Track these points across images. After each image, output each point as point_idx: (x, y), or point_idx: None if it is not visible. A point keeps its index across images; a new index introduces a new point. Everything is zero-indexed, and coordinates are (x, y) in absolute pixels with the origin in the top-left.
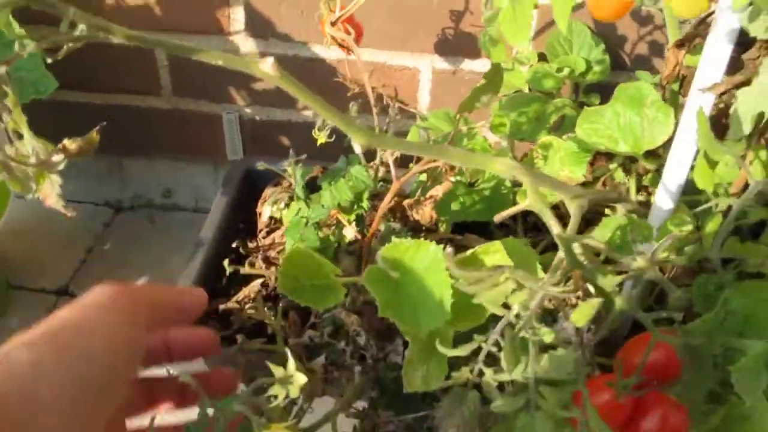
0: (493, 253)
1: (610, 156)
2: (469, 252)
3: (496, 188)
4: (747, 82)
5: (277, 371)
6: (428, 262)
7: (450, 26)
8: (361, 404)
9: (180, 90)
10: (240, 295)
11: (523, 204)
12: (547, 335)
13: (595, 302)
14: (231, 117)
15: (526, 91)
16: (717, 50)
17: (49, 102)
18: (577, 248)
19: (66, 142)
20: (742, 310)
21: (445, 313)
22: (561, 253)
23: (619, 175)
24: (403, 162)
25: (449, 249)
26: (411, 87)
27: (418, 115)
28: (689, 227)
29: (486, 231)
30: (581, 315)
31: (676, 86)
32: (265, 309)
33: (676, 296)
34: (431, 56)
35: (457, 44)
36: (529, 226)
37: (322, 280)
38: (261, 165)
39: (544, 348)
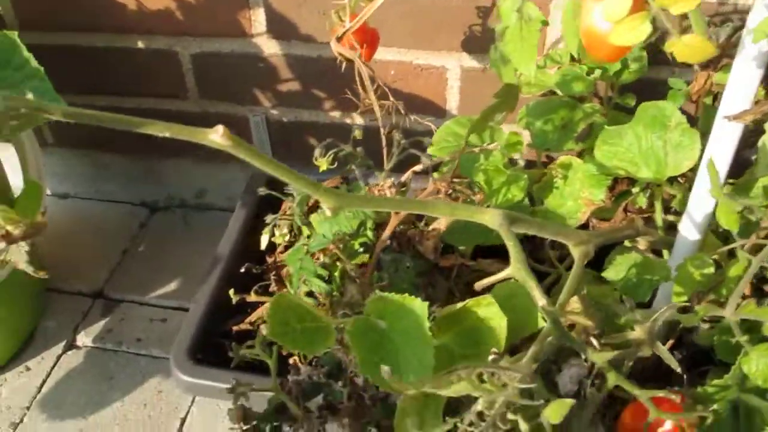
0: (486, 306)
1: (632, 179)
2: (459, 305)
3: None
4: None
5: None
6: (412, 319)
7: (477, 23)
8: None
9: (206, 93)
10: (253, 317)
11: (506, 272)
12: None
13: (568, 402)
14: (258, 119)
15: (558, 92)
16: (744, 75)
17: (82, 107)
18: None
19: (9, 227)
20: (761, 373)
21: (427, 373)
22: (548, 323)
23: (642, 200)
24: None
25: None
26: (439, 86)
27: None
28: (711, 270)
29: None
30: (554, 413)
31: (709, 99)
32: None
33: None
34: (459, 54)
35: (485, 41)
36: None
37: (313, 323)
38: (262, 190)
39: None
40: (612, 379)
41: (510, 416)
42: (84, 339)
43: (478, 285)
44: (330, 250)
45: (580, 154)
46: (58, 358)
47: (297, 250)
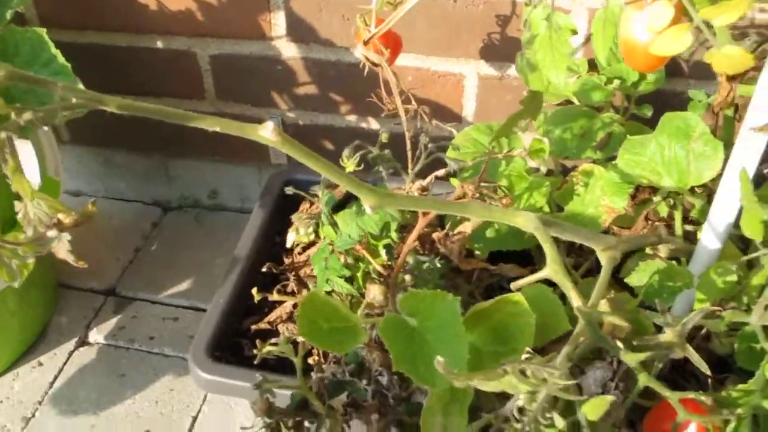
0: (515, 304)
1: (654, 188)
2: (488, 303)
3: None
4: None
5: None
6: (445, 314)
7: (496, 31)
8: None
9: (223, 94)
10: (272, 316)
11: (543, 273)
12: (552, 429)
13: (609, 399)
14: (275, 121)
15: (575, 101)
16: None
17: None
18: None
19: (61, 216)
20: None
21: (462, 368)
22: (581, 324)
23: (663, 209)
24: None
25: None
26: (456, 93)
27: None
28: (733, 277)
29: (526, 255)
30: (594, 409)
31: (730, 111)
32: (289, 343)
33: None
34: (477, 62)
35: (503, 49)
36: (570, 244)
37: (341, 323)
38: (290, 190)
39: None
40: (643, 379)
41: (557, 419)
42: (96, 336)
43: (515, 285)
44: (355, 251)
45: (594, 162)
46: (70, 354)
47: (322, 250)
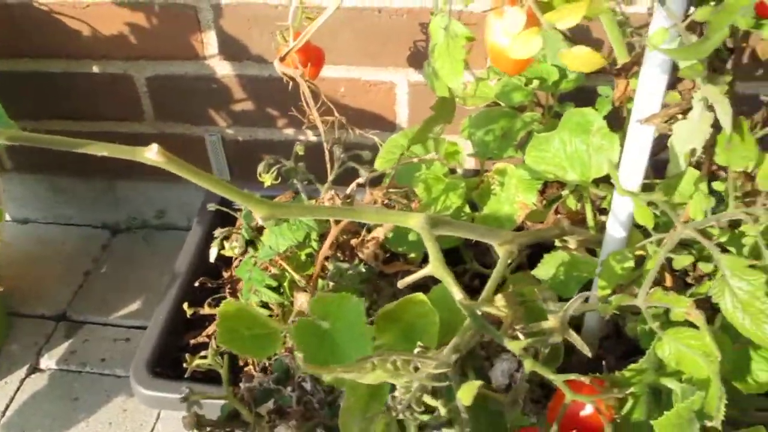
0: (418, 304)
1: (562, 183)
2: (394, 304)
3: (456, 216)
4: (684, 113)
5: None
6: (351, 315)
7: (421, 39)
8: None
9: (162, 115)
10: (210, 329)
11: (426, 270)
12: (425, 416)
13: (476, 384)
14: (214, 138)
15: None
16: (651, 81)
17: (38, 132)
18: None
19: None
20: (673, 356)
21: None
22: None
23: (572, 202)
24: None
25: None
26: (388, 101)
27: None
28: (631, 264)
29: (456, 254)
30: (466, 394)
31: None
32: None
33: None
34: (405, 70)
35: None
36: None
37: (261, 330)
38: (211, 206)
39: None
40: (528, 365)
41: (429, 400)
42: (48, 362)
43: (402, 283)
44: (276, 262)
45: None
46: (22, 381)
47: (246, 262)
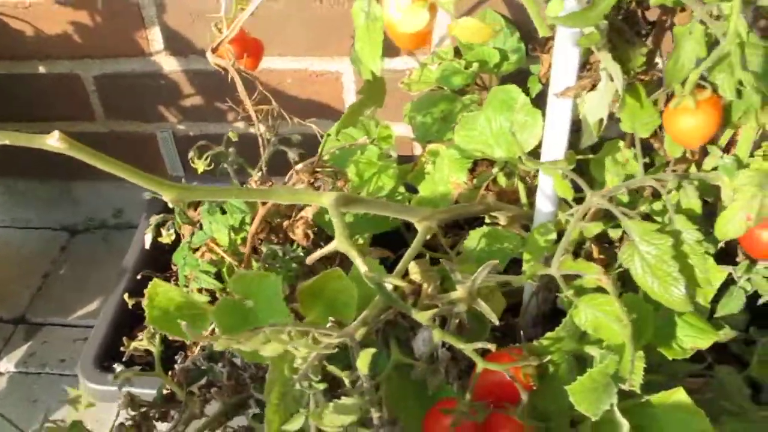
0: (337, 279)
1: (491, 161)
2: (312, 279)
3: (391, 197)
4: (595, 86)
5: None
6: (269, 291)
7: None
8: (240, 422)
9: (112, 113)
10: None
11: (331, 246)
12: (321, 385)
13: (370, 351)
14: (165, 135)
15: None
16: (564, 54)
17: None
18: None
19: None
20: (590, 322)
21: None
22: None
23: (502, 179)
24: None
25: None
26: (336, 90)
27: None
28: (553, 236)
29: (398, 236)
30: (362, 362)
31: None
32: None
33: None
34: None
35: None
36: (451, 224)
37: (190, 310)
38: (147, 195)
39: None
40: (437, 335)
41: (333, 369)
42: (6, 365)
43: (309, 259)
44: (210, 246)
45: None
46: None
47: (181, 248)
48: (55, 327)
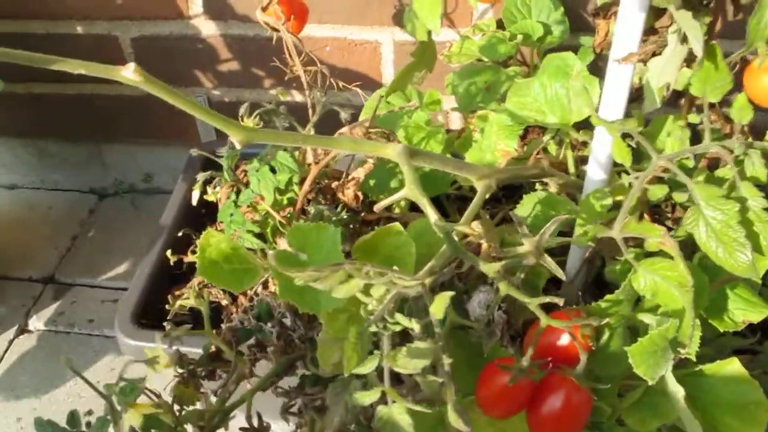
0: (395, 235)
1: (543, 129)
2: (370, 235)
3: None
4: (661, 51)
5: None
6: (328, 244)
7: None
8: (291, 382)
9: None
10: (195, 281)
11: (402, 193)
12: (397, 326)
13: (447, 295)
14: (200, 100)
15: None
16: (629, 19)
17: (23, 95)
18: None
19: None
20: (649, 287)
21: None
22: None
23: (553, 148)
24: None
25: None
26: (374, 60)
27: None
28: (609, 201)
29: (438, 205)
30: (437, 307)
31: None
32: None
33: (568, 284)
34: (391, 28)
35: None
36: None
37: (241, 264)
38: (194, 151)
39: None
40: (503, 288)
41: (403, 319)
42: (36, 323)
43: (377, 207)
44: (257, 202)
45: None
46: (11, 342)
47: (227, 206)
48: (83, 288)
